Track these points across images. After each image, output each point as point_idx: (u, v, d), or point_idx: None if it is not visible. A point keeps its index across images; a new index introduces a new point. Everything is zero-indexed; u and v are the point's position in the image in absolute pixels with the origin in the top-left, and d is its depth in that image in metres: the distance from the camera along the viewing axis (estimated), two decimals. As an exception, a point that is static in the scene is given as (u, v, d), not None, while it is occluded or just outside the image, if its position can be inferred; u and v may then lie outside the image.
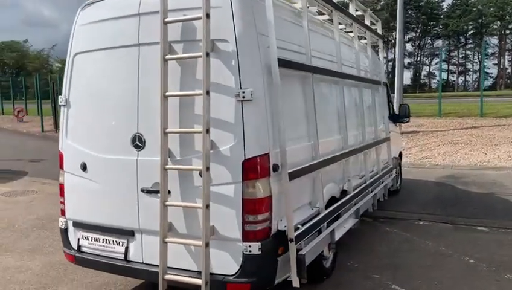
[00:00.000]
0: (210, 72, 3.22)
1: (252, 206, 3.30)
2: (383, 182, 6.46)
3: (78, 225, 4.02)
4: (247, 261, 3.31)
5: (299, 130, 4.05)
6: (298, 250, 3.51)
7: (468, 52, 65.85)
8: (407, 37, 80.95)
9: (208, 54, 3.20)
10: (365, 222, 7.01)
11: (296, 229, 3.58)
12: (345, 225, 4.66)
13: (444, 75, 79.16)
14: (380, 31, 7.18)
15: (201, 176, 3.27)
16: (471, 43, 72.60)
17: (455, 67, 74.94)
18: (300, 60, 4.06)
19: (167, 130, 3.39)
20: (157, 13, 3.38)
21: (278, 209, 3.47)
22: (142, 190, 3.59)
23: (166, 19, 3.35)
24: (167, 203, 3.40)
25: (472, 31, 75.49)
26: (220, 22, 3.28)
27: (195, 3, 3.27)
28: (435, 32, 77.02)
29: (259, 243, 3.29)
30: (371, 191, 5.81)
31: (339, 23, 5.23)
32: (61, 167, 4.11)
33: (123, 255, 3.75)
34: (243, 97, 3.24)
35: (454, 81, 74.80)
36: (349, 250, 5.65)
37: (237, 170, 3.28)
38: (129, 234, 3.72)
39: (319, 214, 4.14)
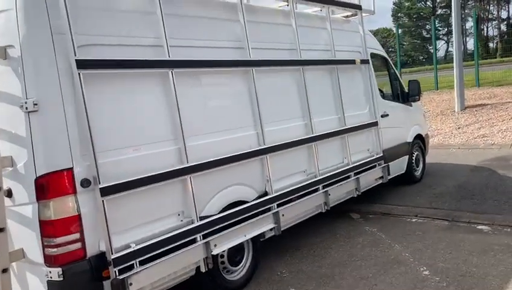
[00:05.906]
0: None
1: (49, 229, 2.98)
2: (352, 177, 5.59)
3: None
4: (50, 287, 3.00)
5: (153, 134, 3.57)
6: (122, 273, 3.11)
7: None
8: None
9: (-13, 65, 2.92)
10: (348, 219, 6.22)
11: (127, 248, 3.18)
12: (245, 233, 4.07)
13: None
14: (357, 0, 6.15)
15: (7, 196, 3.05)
16: None
17: None
18: (154, 55, 3.57)
19: None
20: None
21: (96, 228, 3.10)
22: None
23: None
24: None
25: None
26: (9, 26, 2.98)
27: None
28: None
29: (59, 269, 2.96)
30: (322, 189, 5.06)
31: None
32: None
33: None
34: (26, 108, 2.91)
35: None
36: (293, 256, 5.02)
37: (32, 189, 2.98)
38: None
39: (192, 224, 3.67)
